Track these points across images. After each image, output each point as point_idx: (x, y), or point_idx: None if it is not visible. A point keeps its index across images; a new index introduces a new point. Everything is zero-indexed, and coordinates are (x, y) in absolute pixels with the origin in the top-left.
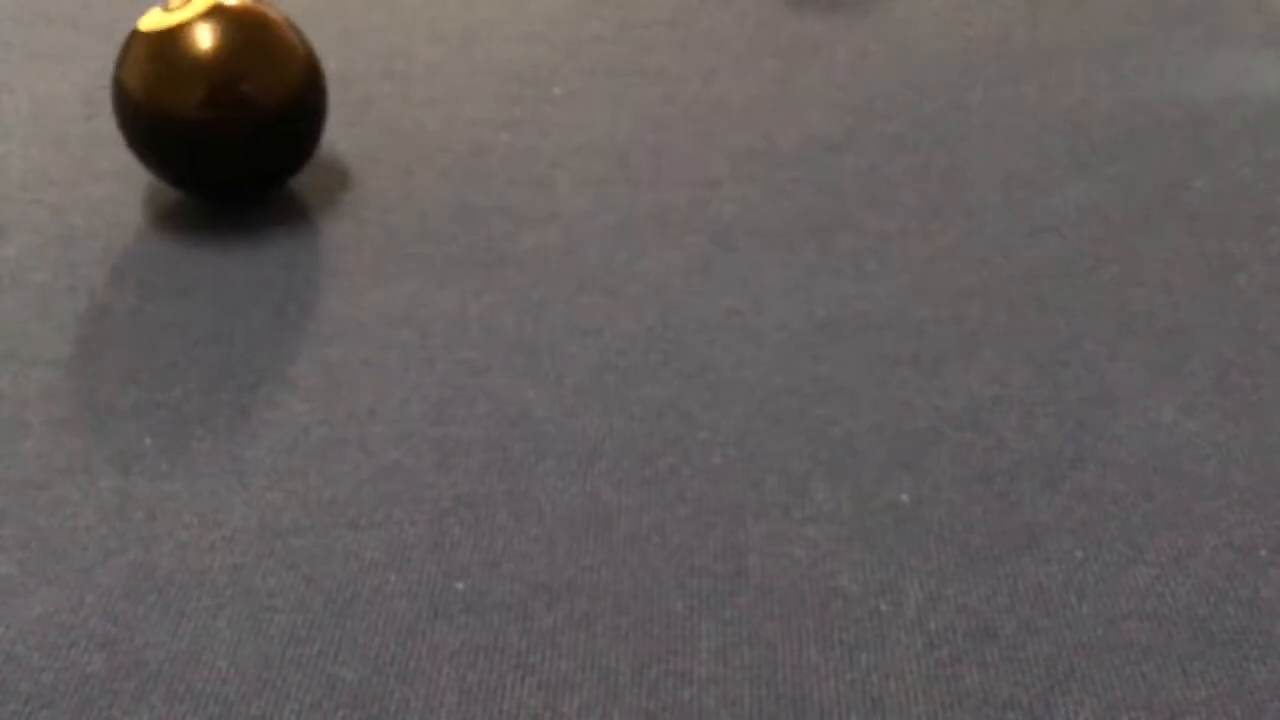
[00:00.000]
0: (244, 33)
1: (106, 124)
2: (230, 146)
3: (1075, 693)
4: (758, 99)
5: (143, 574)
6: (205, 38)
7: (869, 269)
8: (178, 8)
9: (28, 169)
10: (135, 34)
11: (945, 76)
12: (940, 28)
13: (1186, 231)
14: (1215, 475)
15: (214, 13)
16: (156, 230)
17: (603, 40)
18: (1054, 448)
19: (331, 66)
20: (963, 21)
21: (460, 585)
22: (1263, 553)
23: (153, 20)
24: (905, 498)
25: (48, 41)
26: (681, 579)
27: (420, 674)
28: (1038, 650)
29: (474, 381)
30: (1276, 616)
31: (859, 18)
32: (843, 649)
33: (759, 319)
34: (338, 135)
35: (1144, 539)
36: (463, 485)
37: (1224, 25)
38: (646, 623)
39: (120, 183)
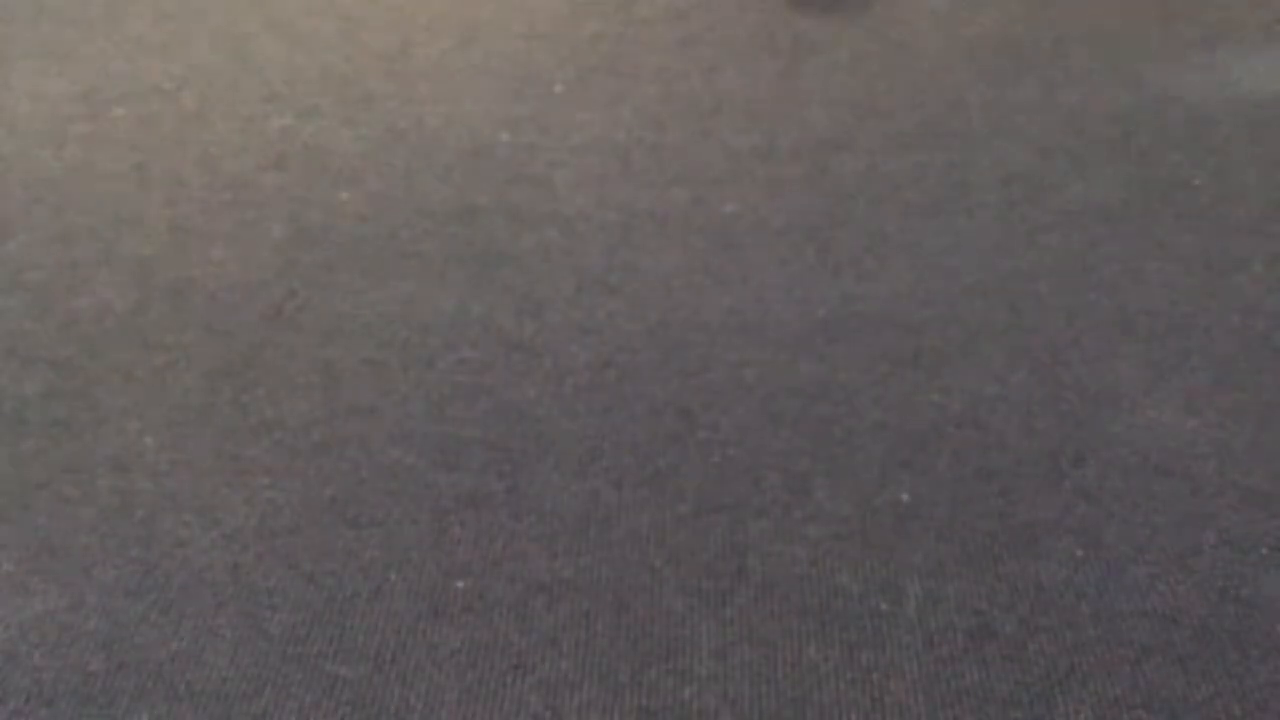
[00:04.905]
0: None
1: (106, 124)
2: None
3: (1075, 692)
4: (758, 98)
5: (143, 574)
6: None
7: (869, 269)
8: None
9: (28, 169)
10: None
11: (945, 76)
12: (940, 28)
13: (1186, 231)
14: (1215, 475)
15: None
16: (156, 230)
17: (603, 39)
18: (1054, 448)
19: (332, 65)
20: (963, 21)
21: (460, 585)
22: (1263, 551)
23: None
24: (905, 497)
25: (48, 41)
26: (681, 578)
27: (420, 674)
28: (1038, 649)
29: (474, 381)
30: (1276, 616)
31: (859, 18)
32: (843, 648)
33: (759, 318)
34: (338, 135)
35: (1144, 539)
36: (463, 484)
37: (1224, 24)
38: (646, 622)
39: (121, 182)
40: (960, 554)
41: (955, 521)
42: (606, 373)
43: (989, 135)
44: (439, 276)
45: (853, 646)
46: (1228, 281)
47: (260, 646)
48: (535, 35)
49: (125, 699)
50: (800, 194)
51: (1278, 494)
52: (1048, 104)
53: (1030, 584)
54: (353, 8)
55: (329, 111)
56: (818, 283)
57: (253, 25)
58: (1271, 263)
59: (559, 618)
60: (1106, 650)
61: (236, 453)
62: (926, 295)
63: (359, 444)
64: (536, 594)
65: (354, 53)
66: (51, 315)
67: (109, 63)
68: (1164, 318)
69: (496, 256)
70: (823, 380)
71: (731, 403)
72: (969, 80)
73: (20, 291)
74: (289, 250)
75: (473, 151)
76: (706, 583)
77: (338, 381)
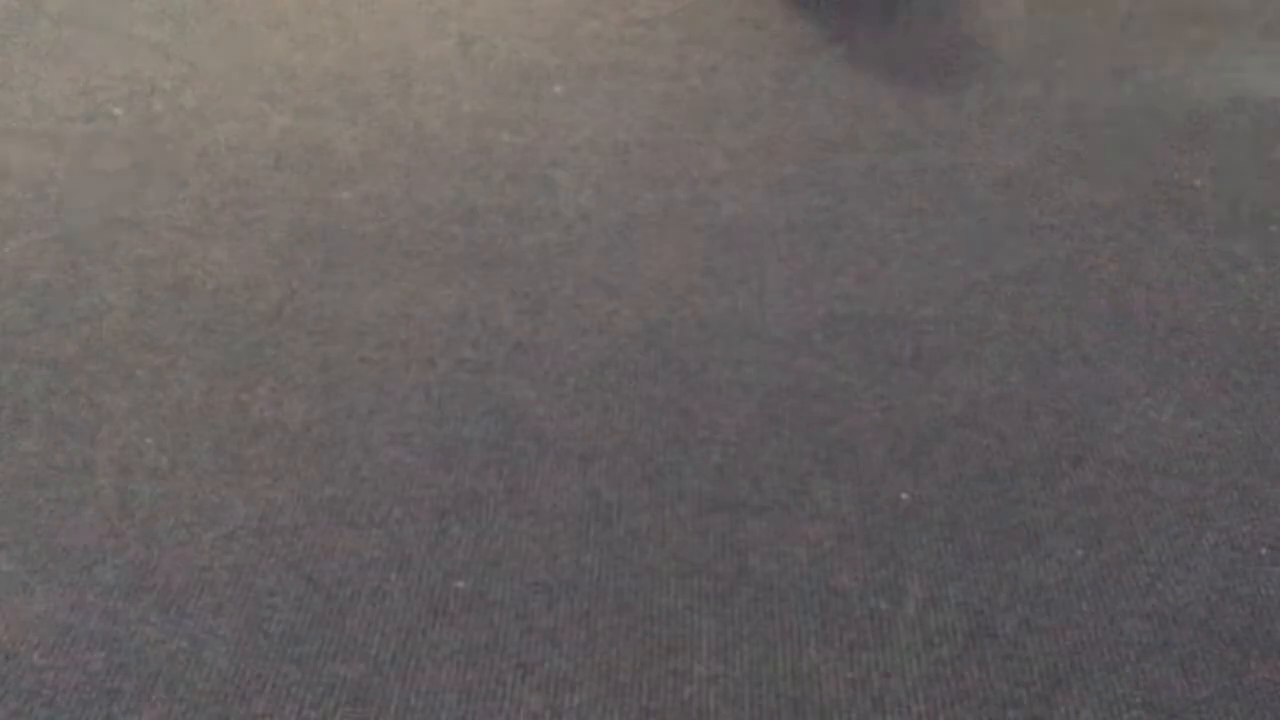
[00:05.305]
0: None
1: (107, 124)
2: None
3: (1075, 692)
4: (758, 97)
5: (143, 574)
6: None
7: (869, 268)
8: None
9: (28, 169)
10: None
11: (945, 76)
12: (940, 27)
13: (1186, 231)
14: (1215, 475)
15: None
16: (156, 230)
17: (603, 39)
18: (1054, 447)
19: (332, 65)
20: (962, 21)
21: (460, 584)
22: (1263, 551)
23: None
24: (905, 496)
25: (48, 41)
26: (682, 577)
27: (420, 673)
28: (1038, 649)
29: (474, 381)
30: (1277, 616)
31: (859, 18)
32: (843, 647)
33: (759, 318)
34: (338, 135)
35: (1144, 538)
36: (463, 484)
37: (1224, 24)
38: (647, 621)
39: (120, 182)
40: (960, 554)
41: (955, 521)
42: (606, 373)
43: (989, 135)
44: (439, 276)
45: (853, 646)
46: (1228, 281)
47: (260, 646)
48: (535, 35)
49: (125, 699)
50: (800, 193)
51: (1278, 494)
52: (1048, 104)
53: (1030, 584)
54: (353, 8)
55: (329, 111)
56: (818, 283)
57: (253, 25)
58: (1271, 263)
59: (559, 617)
60: (1106, 650)
61: (236, 453)
62: (926, 295)
63: (359, 444)
64: (536, 594)
65: (354, 53)
66: (51, 315)
67: (109, 63)
68: (1164, 318)
69: (496, 256)
70: (823, 380)
71: (731, 403)
72: (969, 80)
73: (20, 291)
74: (289, 250)
75: (473, 151)
76: (706, 582)
77: (338, 381)
